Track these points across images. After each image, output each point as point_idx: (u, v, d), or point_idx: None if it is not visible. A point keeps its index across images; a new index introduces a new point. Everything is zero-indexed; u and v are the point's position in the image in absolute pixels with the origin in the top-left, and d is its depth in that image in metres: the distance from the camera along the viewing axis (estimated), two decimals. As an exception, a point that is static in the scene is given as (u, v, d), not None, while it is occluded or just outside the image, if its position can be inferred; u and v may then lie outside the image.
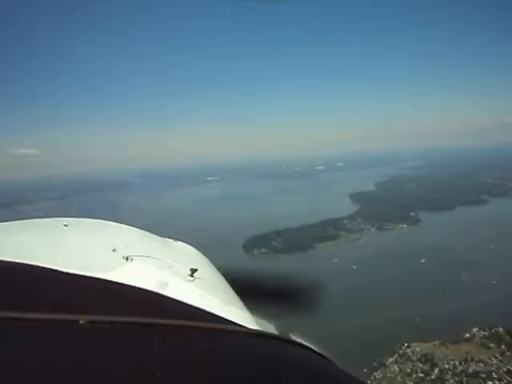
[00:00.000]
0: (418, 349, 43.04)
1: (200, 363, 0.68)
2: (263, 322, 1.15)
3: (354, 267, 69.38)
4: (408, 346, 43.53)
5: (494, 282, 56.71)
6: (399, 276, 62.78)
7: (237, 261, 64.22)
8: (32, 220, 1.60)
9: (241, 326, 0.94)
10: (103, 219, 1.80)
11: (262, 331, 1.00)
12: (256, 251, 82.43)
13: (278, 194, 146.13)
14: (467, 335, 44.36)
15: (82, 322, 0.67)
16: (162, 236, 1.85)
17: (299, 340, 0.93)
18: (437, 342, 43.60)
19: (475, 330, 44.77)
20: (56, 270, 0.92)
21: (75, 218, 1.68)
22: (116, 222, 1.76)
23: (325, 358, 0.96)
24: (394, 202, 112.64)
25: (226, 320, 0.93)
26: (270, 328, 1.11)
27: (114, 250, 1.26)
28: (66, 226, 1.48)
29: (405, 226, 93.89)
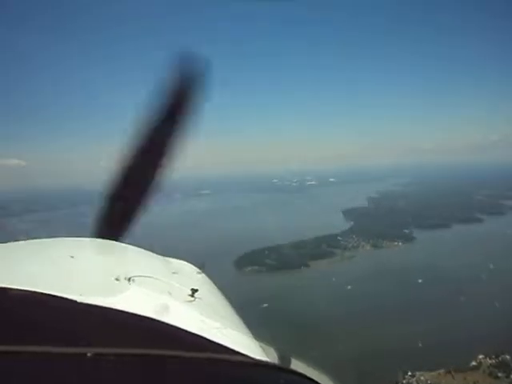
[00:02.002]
0: (422, 378, 40.67)
1: None
2: (265, 345, 1.16)
3: (349, 287, 66.99)
4: (412, 375, 41.06)
5: (497, 304, 54.80)
6: (397, 298, 60.52)
7: (228, 279, 61.53)
8: (33, 241, 1.59)
9: (240, 353, 0.93)
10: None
11: (262, 361, 0.99)
12: (248, 268, 79.83)
13: (270, 209, 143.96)
14: (473, 363, 42.16)
15: (89, 354, 0.67)
16: (162, 254, 1.89)
17: (299, 369, 0.92)
18: (442, 371, 41.30)
19: (481, 357, 42.63)
20: (58, 297, 0.92)
21: (74, 238, 1.68)
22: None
23: None
24: (387, 218, 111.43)
25: (225, 348, 0.93)
26: (271, 352, 1.12)
27: (117, 279, 1.25)
28: (72, 257, 1.41)
29: (400, 243, 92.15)
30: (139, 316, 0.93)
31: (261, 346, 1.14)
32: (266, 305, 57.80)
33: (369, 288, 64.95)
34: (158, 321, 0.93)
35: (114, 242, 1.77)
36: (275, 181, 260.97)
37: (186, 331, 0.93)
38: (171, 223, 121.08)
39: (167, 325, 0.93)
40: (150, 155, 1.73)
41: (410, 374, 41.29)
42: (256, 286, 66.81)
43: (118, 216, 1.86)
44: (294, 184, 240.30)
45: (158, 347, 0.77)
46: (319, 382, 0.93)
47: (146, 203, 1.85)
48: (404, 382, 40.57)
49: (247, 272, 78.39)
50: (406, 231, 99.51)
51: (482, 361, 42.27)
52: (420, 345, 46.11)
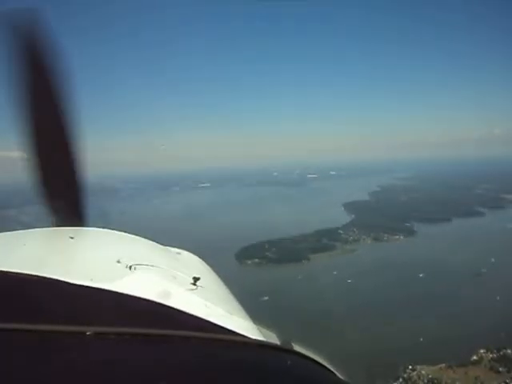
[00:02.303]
0: (423, 372, 40.46)
1: (203, 374, 0.70)
2: (265, 331, 1.18)
3: (349, 281, 66.78)
4: (413, 369, 40.86)
5: (498, 298, 54.61)
6: (398, 292, 60.25)
7: (229, 272, 61.09)
8: (36, 230, 1.65)
9: (243, 336, 0.95)
10: (93, 225, 1.85)
11: (265, 341, 1.02)
12: (249, 261, 79.71)
13: (270, 202, 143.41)
14: (474, 357, 41.96)
15: (88, 333, 0.68)
16: (163, 244, 1.88)
17: (302, 350, 0.94)
18: (443, 365, 41.08)
19: (482, 351, 42.43)
20: (63, 281, 0.93)
21: (81, 228, 1.73)
22: (107, 228, 1.83)
23: (327, 368, 0.99)
24: (388, 212, 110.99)
25: (229, 330, 0.94)
26: (272, 337, 1.13)
27: (118, 262, 1.27)
28: (72, 238, 1.46)
29: (401, 237, 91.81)
30: (141, 299, 0.94)
31: (262, 332, 1.15)
32: (266, 298, 57.60)
33: (369, 282, 64.74)
34: (160, 303, 0.94)
35: (117, 231, 1.73)
36: (275, 174, 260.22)
37: (187, 314, 0.94)
38: (171, 216, 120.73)
39: (169, 307, 0.94)
40: (46, 135, 1.64)
41: (410, 368, 41.13)
42: (257, 279, 66.59)
43: (63, 204, 1.77)
44: (295, 177, 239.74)
45: (160, 328, 0.77)
46: (319, 361, 0.94)
47: (78, 185, 1.75)
48: (405, 376, 40.37)
49: (248, 265, 78.29)
50: (407, 225, 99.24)
51: (483, 355, 42.07)
52: (421, 339, 45.94)
